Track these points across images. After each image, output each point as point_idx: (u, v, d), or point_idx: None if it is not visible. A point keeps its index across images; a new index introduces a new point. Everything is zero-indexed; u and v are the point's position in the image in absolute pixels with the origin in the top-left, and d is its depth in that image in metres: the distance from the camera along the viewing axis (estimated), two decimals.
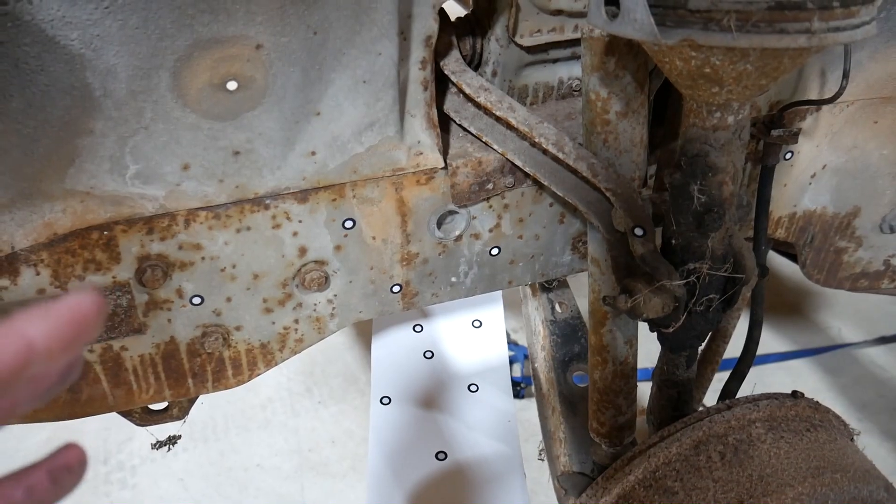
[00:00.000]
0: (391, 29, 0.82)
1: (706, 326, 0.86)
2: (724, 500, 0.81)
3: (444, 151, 0.96)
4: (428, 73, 0.89)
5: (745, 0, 0.61)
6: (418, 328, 1.28)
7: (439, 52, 0.95)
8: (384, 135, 0.89)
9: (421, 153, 0.93)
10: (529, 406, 2.55)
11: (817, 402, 0.95)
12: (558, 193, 0.93)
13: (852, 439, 0.96)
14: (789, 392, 0.94)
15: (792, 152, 1.17)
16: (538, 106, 1.08)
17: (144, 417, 1.05)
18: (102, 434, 2.33)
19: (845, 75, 0.97)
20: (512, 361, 2.82)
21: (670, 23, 0.65)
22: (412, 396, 1.18)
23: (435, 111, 0.91)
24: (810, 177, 1.21)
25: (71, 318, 0.41)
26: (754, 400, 0.90)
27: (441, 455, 1.14)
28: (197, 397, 1.05)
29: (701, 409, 0.95)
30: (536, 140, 0.91)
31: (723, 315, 0.88)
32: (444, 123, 0.99)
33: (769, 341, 2.76)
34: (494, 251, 1.06)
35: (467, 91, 0.93)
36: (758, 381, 2.68)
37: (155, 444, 1.18)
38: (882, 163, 1.22)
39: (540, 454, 1.28)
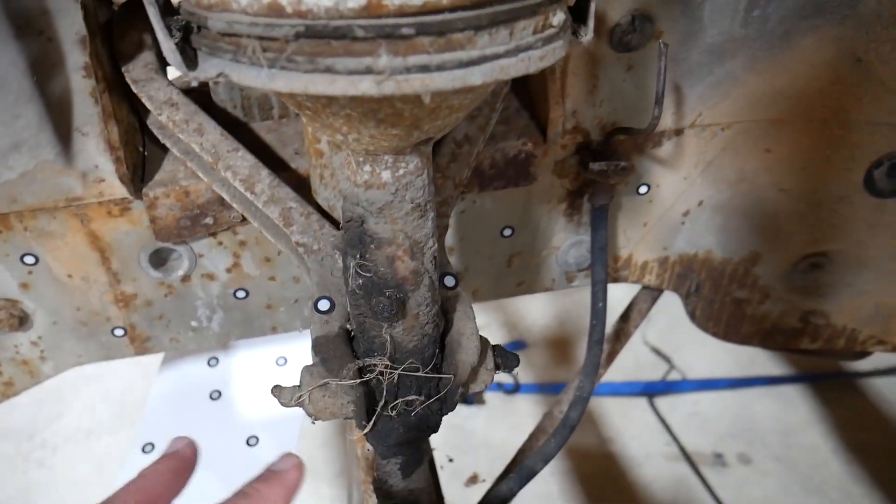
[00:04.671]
0: None
1: (410, 434, 0.66)
2: None
3: (142, 176, 0.78)
4: (96, 83, 0.70)
5: (266, 21, 0.40)
6: (213, 362, 1.11)
7: (127, 55, 0.75)
8: (40, 158, 0.72)
9: (103, 180, 0.75)
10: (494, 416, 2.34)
11: None
12: (271, 239, 0.73)
13: None
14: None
15: (647, 185, 0.92)
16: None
17: None
18: (34, 408, 2.29)
19: (657, 101, 0.72)
20: None
21: (206, 49, 0.45)
22: None
23: (115, 129, 0.73)
24: (682, 215, 0.96)
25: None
26: None
27: None
28: None
29: None
30: (223, 174, 0.71)
31: (439, 417, 0.67)
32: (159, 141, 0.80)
33: (758, 361, 2.44)
34: (240, 294, 0.88)
35: (149, 106, 0.74)
36: (741, 409, 2.37)
37: None
38: (783, 201, 0.96)
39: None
